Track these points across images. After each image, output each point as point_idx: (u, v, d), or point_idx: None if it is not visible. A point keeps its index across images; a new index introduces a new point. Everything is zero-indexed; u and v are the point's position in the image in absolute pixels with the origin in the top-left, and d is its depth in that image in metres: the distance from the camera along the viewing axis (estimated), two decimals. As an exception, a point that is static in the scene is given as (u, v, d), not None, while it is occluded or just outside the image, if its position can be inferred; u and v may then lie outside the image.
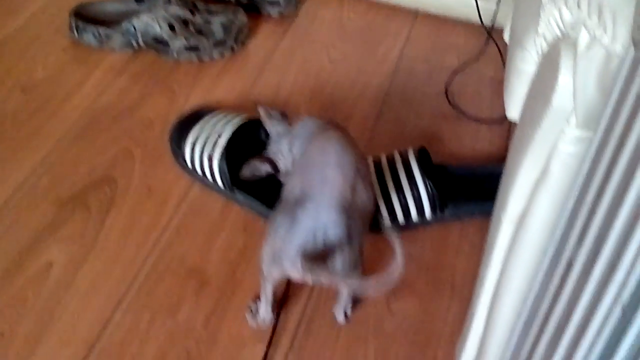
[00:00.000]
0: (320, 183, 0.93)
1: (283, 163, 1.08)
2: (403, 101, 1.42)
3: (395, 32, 1.59)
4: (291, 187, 0.96)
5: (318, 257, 0.90)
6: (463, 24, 1.62)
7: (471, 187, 1.21)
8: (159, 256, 1.12)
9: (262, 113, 1.13)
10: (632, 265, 0.52)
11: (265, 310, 1.03)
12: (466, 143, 1.34)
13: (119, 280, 1.08)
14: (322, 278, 0.91)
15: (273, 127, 1.11)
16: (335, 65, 1.49)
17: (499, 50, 1.51)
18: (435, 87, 1.45)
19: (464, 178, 1.22)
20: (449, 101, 1.42)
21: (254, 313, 1.04)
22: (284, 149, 1.07)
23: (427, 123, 1.37)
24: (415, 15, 1.65)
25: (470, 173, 1.23)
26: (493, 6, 1.55)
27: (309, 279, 0.89)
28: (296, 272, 0.91)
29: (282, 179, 1.09)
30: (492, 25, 1.55)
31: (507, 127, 1.37)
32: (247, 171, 1.09)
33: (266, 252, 0.95)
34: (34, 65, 1.42)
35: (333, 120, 1.09)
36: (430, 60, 1.52)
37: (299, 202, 0.92)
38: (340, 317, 1.05)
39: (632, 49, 0.51)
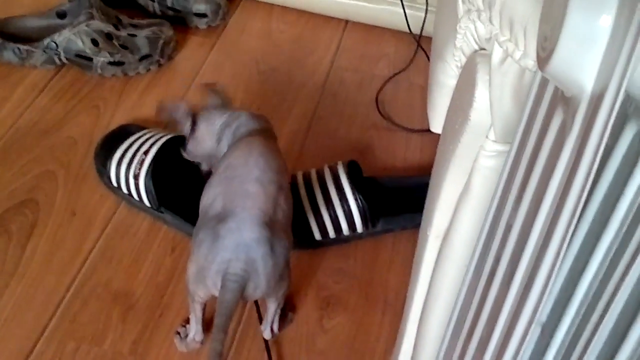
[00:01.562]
0: (242, 198, 0.91)
1: (204, 132, 1.05)
2: (334, 112, 1.40)
3: (326, 42, 1.58)
4: (212, 199, 0.93)
5: (239, 274, 0.88)
6: (393, 32, 1.62)
7: (403, 199, 1.20)
8: (84, 281, 1.08)
9: (209, 90, 1.10)
10: (549, 280, 0.51)
11: (196, 331, 1.00)
12: (398, 153, 1.34)
13: (41, 308, 1.04)
14: (243, 297, 0.89)
15: (213, 100, 1.09)
16: (264, 77, 1.47)
17: (428, 59, 1.51)
18: (366, 97, 1.44)
19: (395, 190, 1.21)
20: (379, 111, 1.41)
21: (183, 337, 1.02)
22: (215, 123, 1.05)
23: (358, 134, 1.36)
24: (345, 24, 1.64)
25: (402, 185, 1.22)
26: (422, 14, 1.55)
27: (228, 299, 0.87)
28: (217, 291, 0.89)
29: (190, 146, 1.07)
30: (421, 34, 1.56)
31: (437, 136, 1.36)
32: (170, 106, 1.06)
33: (191, 271, 0.93)
34: (-50, 85, 1.37)
35: (267, 121, 1.07)
36: (361, 70, 1.51)
37: (221, 218, 0.90)
38: (267, 334, 1.03)
39: (541, 64, 0.50)
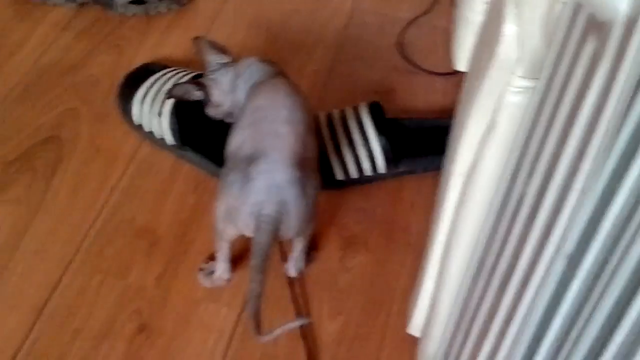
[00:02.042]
0: (272, 139, 0.91)
1: (218, 96, 1.05)
2: (355, 55, 1.40)
3: (348, -16, 1.57)
4: (241, 141, 0.94)
5: (272, 215, 0.88)
6: (416, -26, 1.59)
7: (425, 141, 1.20)
8: (108, 217, 1.10)
9: (201, 44, 1.09)
10: (575, 213, 0.51)
11: (223, 269, 1.01)
12: (420, 96, 1.33)
13: (67, 242, 1.06)
14: (276, 238, 0.90)
15: (213, 58, 1.07)
16: (286, 18, 1.46)
17: (452, 1, 1.50)
18: (388, 40, 1.43)
19: (418, 131, 1.21)
20: (401, 54, 1.40)
21: (207, 273, 1.03)
22: (224, 82, 1.05)
23: (380, 77, 1.36)
24: (368, -34, 1.62)
25: (424, 126, 1.22)
26: (446, -44, 1.53)
27: (263, 241, 0.88)
28: (249, 232, 0.90)
29: (211, 111, 1.07)
30: (445, -24, 1.53)
31: (460, 79, 1.35)
32: (178, 91, 1.06)
33: (220, 210, 0.94)
34: (-27, 23, 1.38)
35: (277, 64, 1.07)
36: (383, 13, 1.50)
37: (252, 159, 0.90)
38: (293, 272, 1.04)
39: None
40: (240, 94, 1.03)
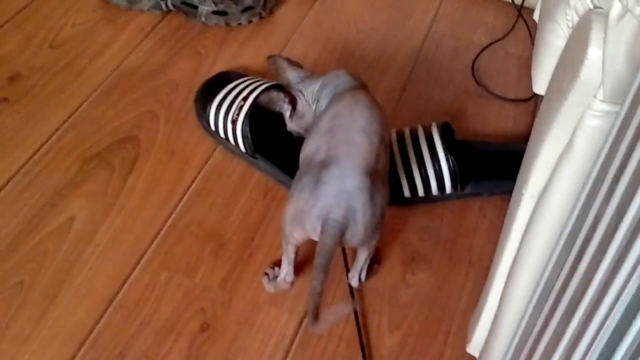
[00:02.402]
0: (346, 146, 0.93)
1: (303, 106, 1.08)
2: (428, 76, 1.41)
3: (424, 7, 1.58)
4: (316, 147, 0.96)
5: (339, 220, 0.90)
6: (493, 1, 1.60)
7: (493, 165, 1.20)
8: (179, 217, 1.13)
9: (277, 62, 1.13)
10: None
11: (287, 272, 1.03)
12: (490, 121, 1.34)
13: (138, 238, 1.09)
14: (341, 243, 0.92)
15: (294, 72, 1.11)
16: (362, 37, 1.49)
17: (528, 29, 1.50)
18: (461, 64, 1.44)
19: (487, 155, 1.22)
20: (474, 78, 1.41)
21: (271, 278, 1.05)
22: (309, 92, 1.08)
23: (452, 99, 1.37)
24: (445, -10, 1.63)
25: (493, 150, 1.23)
26: (524, -16, 1.54)
27: (328, 243, 0.90)
28: (316, 235, 0.91)
29: (293, 123, 1.10)
30: (522, 4, 1.54)
31: (532, 107, 1.36)
32: (265, 98, 1.09)
33: (289, 213, 0.96)
34: (63, 23, 1.43)
35: (361, 78, 1.09)
36: (458, 37, 1.51)
37: (324, 164, 0.92)
38: (355, 282, 1.06)
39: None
40: (322, 103, 1.05)
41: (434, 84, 1.40)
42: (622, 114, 0.60)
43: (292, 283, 1.04)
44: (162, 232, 1.10)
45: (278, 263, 1.04)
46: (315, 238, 0.92)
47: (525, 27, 1.51)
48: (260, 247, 1.10)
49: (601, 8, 0.65)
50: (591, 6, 0.67)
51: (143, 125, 1.25)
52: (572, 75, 0.67)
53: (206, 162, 1.21)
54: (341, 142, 0.93)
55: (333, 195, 0.90)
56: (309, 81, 1.09)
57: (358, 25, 1.51)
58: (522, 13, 1.54)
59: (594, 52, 0.64)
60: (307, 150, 0.98)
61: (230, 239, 1.11)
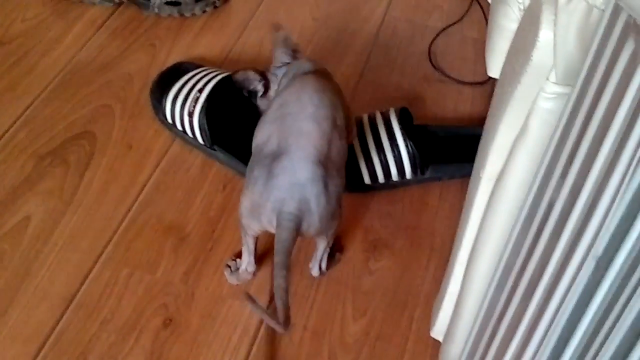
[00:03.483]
0: (296, 136, 0.92)
1: (273, 91, 1.08)
2: (386, 61, 1.41)
3: (380, -8, 1.58)
4: (266, 136, 0.95)
5: (294, 212, 0.89)
6: (448, -16, 1.61)
7: (452, 149, 1.21)
8: (138, 212, 1.11)
9: (278, 37, 1.11)
10: (605, 217, 0.52)
11: (248, 262, 1.03)
12: (448, 104, 1.34)
13: (97, 235, 1.08)
14: (298, 235, 0.91)
15: (281, 54, 1.10)
16: (318, 24, 1.48)
17: (483, 12, 1.51)
18: (418, 48, 1.44)
19: (446, 139, 1.22)
20: (431, 62, 1.41)
21: (233, 270, 1.04)
22: (277, 78, 1.08)
23: (410, 84, 1.37)
24: (400, -25, 1.63)
25: (452, 134, 1.23)
26: (478, -33, 1.54)
27: (285, 238, 0.89)
28: (273, 228, 0.91)
29: (262, 104, 1.09)
30: (477, -14, 1.55)
31: (489, 89, 1.36)
32: (241, 76, 1.08)
33: (244, 206, 0.95)
34: (12, 18, 1.40)
35: (319, 63, 1.09)
36: (414, 21, 1.51)
37: (275, 156, 0.91)
38: (315, 271, 1.05)
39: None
40: (280, 88, 1.05)
41: (392, 69, 1.40)
42: (574, 95, 0.60)
43: (254, 273, 1.04)
44: (121, 228, 1.09)
45: (239, 255, 1.04)
46: (272, 230, 0.91)
47: (480, 9, 1.52)
48: (221, 239, 1.09)
49: (550, -9, 0.66)
50: (541, -12, 0.68)
51: (98, 120, 1.23)
52: (525, 58, 0.68)
53: (164, 156, 1.19)
54: (291, 131, 0.92)
55: (285, 188, 0.89)
56: (284, 68, 1.08)
57: (314, 12, 1.50)
58: (477, -4, 1.55)
59: (545, 35, 0.64)
60: (259, 139, 0.97)
61: (191, 232, 1.10)
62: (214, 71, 1.23)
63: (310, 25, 1.47)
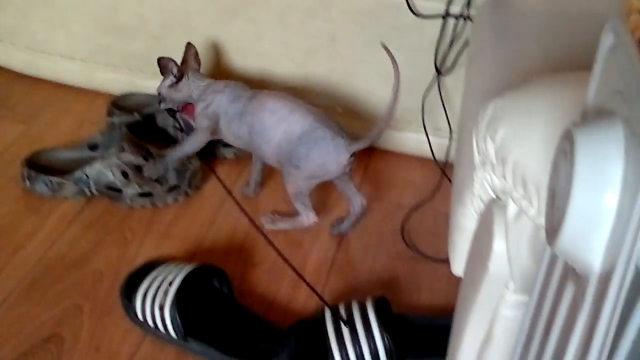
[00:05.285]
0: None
1: (185, 85, 1.41)
2: (359, 243, 1.41)
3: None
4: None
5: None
6: (419, 159, 1.63)
7: (431, 341, 1.18)
8: (106, 420, 1.07)
9: (191, 51, 1.45)
10: None
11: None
12: (424, 283, 1.33)
13: None
14: None
15: (191, 70, 1.44)
16: (291, 208, 1.48)
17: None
18: (391, 227, 1.45)
19: (424, 330, 1.20)
20: (405, 241, 1.41)
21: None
22: (194, 83, 1.42)
23: (384, 264, 1.36)
24: (371, 151, 1.66)
25: (431, 325, 1.21)
26: (446, 141, 1.57)
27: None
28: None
29: (167, 90, 1.42)
30: (446, 162, 1.57)
31: (464, 266, 1.36)
32: (163, 62, 1.41)
33: (305, 177, 1.35)
34: (-16, 217, 1.40)
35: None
36: (386, 199, 1.52)
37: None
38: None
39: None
40: (218, 105, 1.40)
41: (365, 250, 1.39)
42: (533, 304, 0.59)
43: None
44: None
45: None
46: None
47: (450, 184, 1.53)
48: None
49: (501, 200, 0.66)
50: (493, 196, 0.68)
51: (67, 321, 1.20)
52: (482, 267, 0.67)
53: (133, 356, 1.16)
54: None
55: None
56: (201, 76, 1.43)
57: (286, 199, 1.51)
58: (446, 170, 1.57)
59: (498, 246, 0.64)
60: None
61: None
62: (183, 264, 1.23)
63: (284, 208, 1.48)
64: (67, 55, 1.74)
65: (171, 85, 1.41)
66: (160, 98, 1.44)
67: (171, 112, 1.49)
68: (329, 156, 1.29)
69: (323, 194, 1.49)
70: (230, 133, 1.40)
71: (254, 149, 1.39)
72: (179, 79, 1.40)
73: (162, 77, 1.43)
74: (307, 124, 1.30)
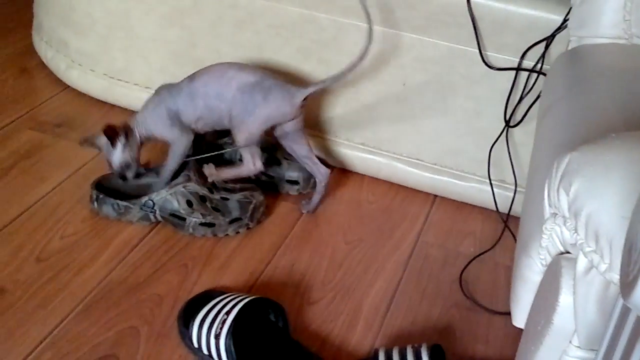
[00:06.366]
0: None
1: (128, 144, 1.47)
2: (416, 289, 1.40)
3: (413, 216, 1.60)
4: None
5: None
6: (481, 210, 1.63)
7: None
8: None
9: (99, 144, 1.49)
10: None
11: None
12: (480, 334, 1.31)
13: None
14: None
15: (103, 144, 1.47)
16: (350, 247, 1.49)
17: (515, 239, 1.51)
18: (449, 275, 1.44)
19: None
20: (462, 290, 1.40)
21: None
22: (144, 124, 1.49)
23: (440, 312, 1.35)
24: (433, 199, 1.66)
25: (483, 370, 1.19)
26: (510, 194, 1.56)
27: None
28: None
29: (116, 159, 1.47)
30: (509, 214, 1.56)
31: (522, 320, 1.34)
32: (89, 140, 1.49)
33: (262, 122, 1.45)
34: (51, 235, 1.44)
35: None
36: (446, 247, 1.52)
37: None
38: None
39: (627, 282, 0.50)
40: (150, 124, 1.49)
41: (422, 297, 1.38)
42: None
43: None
44: None
45: None
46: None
47: (512, 236, 1.52)
48: None
49: (569, 253, 0.65)
50: (562, 249, 0.67)
51: (124, 343, 1.22)
52: (546, 320, 0.66)
53: (187, 384, 1.17)
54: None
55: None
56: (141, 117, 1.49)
57: (346, 235, 1.52)
58: (509, 223, 1.56)
59: (565, 300, 0.63)
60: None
61: None
62: (241, 295, 1.24)
63: (343, 248, 1.48)
64: (143, 84, 1.79)
65: (124, 146, 1.46)
66: (122, 170, 1.48)
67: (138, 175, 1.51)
68: (284, 100, 1.42)
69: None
70: (193, 117, 1.47)
71: (213, 117, 1.46)
72: (127, 136, 1.46)
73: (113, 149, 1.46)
74: (259, 75, 1.43)
